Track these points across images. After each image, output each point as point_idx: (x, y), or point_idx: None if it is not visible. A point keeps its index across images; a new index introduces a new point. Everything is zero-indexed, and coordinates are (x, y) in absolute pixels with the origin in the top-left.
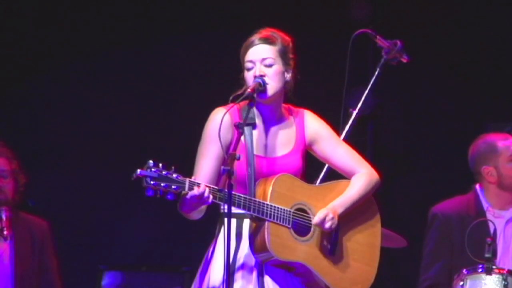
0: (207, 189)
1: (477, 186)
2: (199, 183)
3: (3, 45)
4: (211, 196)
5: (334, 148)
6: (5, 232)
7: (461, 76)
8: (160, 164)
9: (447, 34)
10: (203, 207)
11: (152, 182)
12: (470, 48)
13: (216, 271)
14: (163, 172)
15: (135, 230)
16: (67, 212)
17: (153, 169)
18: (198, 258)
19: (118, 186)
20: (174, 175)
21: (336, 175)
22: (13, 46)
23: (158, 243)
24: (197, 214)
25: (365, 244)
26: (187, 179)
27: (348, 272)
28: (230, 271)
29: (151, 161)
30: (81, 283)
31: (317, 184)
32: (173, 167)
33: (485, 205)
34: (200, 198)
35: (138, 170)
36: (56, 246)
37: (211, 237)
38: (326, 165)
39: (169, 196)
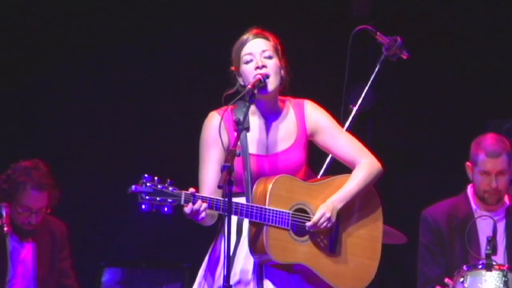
0: (204, 205)
1: (469, 187)
2: (195, 196)
3: (4, 52)
4: (204, 213)
5: (335, 138)
6: (5, 229)
7: (461, 72)
8: (156, 178)
9: (447, 30)
10: (215, 212)
11: (147, 197)
12: (470, 45)
13: (218, 268)
14: (159, 186)
15: (135, 226)
16: (67, 209)
17: (148, 184)
18: (199, 255)
19: (118, 183)
20: (170, 189)
21: (340, 165)
22: (15, 56)
23: (158, 239)
24: (210, 220)
25: (367, 238)
26: (183, 192)
27: (349, 268)
28: (230, 269)
29: (146, 175)
30: (82, 279)
31: (319, 175)
32: (168, 180)
33: (473, 206)
34: (195, 214)
35: (133, 186)
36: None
37: (212, 234)
38: (330, 156)
39: (164, 210)
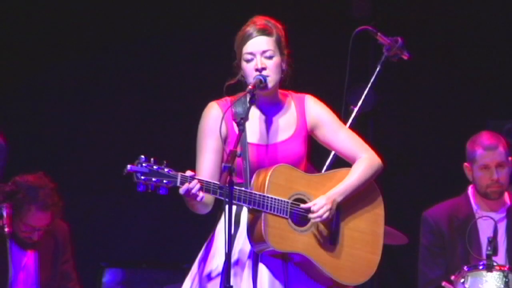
0: (198, 185)
1: (470, 187)
2: (191, 178)
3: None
4: (201, 194)
5: (335, 133)
6: (6, 230)
7: (462, 73)
8: (152, 159)
9: (448, 31)
10: (209, 201)
11: (142, 177)
12: (471, 45)
13: (215, 258)
14: (154, 167)
15: (135, 227)
16: (67, 210)
17: (144, 164)
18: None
19: (118, 183)
20: (166, 170)
21: (342, 163)
22: (13, 56)
23: (158, 240)
24: (203, 208)
25: (368, 232)
26: (179, 174)
27: (349, 261)
28: (230, 268)
29: (142, 156)
30: (82, 280)
31: (323, 170)
32: (165, 162)
33: (474, 207)
34: (189, 193)
35: (128, 166)
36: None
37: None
38: (332, 153)
39: (161, 191)
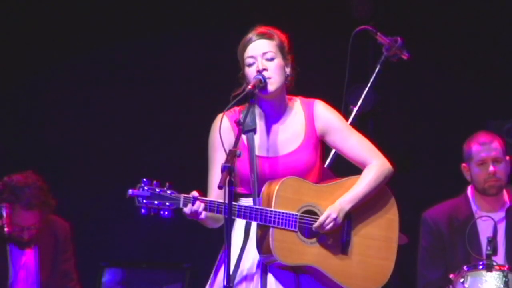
0: (201, 205)
1: (469, 188)
2: (194, 199)
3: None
4: (204, 213)
5: (345, 139)
6: (5, 229)
7: (462, 73)
8: (154, 182)
9: (448, 31)
10: (220, 216)
11: (144, 201)
12: (471, 45)
13: (222, 269)
14: (156, 190)
15: (135, 227)
16: (68, 210)
17: (145, 188)
18: (199, 255)
19: (118, 183)
20: (168, 192)
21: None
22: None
23: (158, 240)
24: (213, 223)
25: (381, 239)
26: (182, 195)
27: (362, 269)
28: (233, 270)
29: (144, 179)
30: (82, 280)
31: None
32: (167, 184)
33: (474, 207)
34: (193, 215)
35: (130, 190)
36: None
37: (212, 235)
38: (333, 151)
39: (163, 214)
